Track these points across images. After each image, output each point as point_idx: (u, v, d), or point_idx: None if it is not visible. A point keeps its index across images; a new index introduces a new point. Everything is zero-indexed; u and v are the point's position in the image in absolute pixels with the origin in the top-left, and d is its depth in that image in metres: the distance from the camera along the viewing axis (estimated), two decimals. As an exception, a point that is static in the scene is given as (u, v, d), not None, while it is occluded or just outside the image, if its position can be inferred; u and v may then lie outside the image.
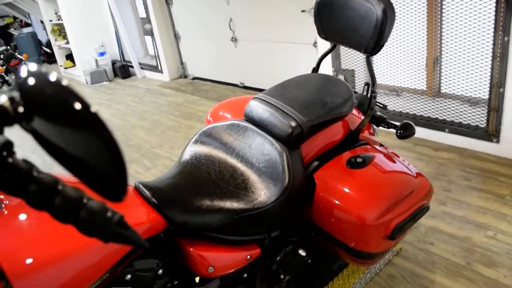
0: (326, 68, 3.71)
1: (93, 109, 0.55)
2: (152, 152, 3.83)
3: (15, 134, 0.67)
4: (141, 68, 6.61)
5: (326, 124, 1.57)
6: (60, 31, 7.44)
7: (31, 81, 0.57)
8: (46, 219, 0.62)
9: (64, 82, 0.55)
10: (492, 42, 2.66)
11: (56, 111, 0.56)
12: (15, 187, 0.58)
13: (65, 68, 7.50)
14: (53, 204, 0.59)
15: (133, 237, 0.66)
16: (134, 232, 0.66)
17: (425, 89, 3.24)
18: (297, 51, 4.32)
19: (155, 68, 6.33)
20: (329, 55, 3.67)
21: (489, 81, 2.77)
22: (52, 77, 0.56)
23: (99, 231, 0.61)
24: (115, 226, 0.62)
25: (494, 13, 2.60)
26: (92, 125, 0.56)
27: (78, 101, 0.54)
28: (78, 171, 0.58)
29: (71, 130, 0.56)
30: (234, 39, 5.04)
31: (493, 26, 2.63)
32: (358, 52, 1.66)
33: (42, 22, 8.28)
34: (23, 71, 0.58)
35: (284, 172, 1.40)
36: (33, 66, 0.58)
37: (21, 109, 0.58)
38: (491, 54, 2.70)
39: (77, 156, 0.57)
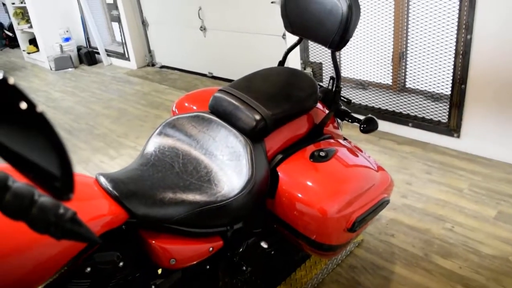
0: (294, 60, 3.72)
1: (39, 109, 0.54)
2: (117, 141, 3.78)
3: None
4: (108, 55, 6.47)
5: (290, 117, 1.58)
6: (23, 14, 7.18)
7: None
8: None
9: (11, 81, 0.54)
10: (455, 39, 2.73)
11: (1, 110, 0.55)
12: None
13: (28, 53, 7.25)
14: (3, 201, 0.57)
15: (86, 234, 0.65)
16: (87, 229, 0.65)
17: (391, 83, 3.30)
18: (266, 42, 4.31)
19: (122, 56, 6.21)
20: (297, 48, 3.68)
21: (451, 78, 2.84)
22: None
23: (50, 228, 0.60)
24: (68, 223, 0.61)
25: (458, 11, 2.66)
26: (37, 124, 0.55)
27: (24, 101, 0.54)
28: (26, 169, 0.57)
29: (17, 129, 0.55)
30: (203, 28, 4.99)
31: (456, 24, 2.70)
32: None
33: (4, 4, 7.95)
34: None
35: (248, 165, 1.40)
36: None
37: None
38: (454, 51, 2.77)
39: (24, 154, 0.56)
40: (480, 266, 1.99)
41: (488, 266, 1.99)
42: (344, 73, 3.50)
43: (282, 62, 1.94)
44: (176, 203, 1.29)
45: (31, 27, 6.76)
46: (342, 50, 3.45)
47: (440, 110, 2.99)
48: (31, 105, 0.54)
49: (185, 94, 1.99)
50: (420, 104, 3.10)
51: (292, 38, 1.92)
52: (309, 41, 3.57)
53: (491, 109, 2.71)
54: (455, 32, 2.71)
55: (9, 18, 7.69)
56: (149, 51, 6.07)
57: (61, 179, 0.57)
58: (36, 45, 6.99)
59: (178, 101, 1.94)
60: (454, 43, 2.74)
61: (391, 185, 1.70)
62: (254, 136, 1.47)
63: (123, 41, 6.03)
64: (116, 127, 4.10)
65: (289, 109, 1.55)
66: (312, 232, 1.50)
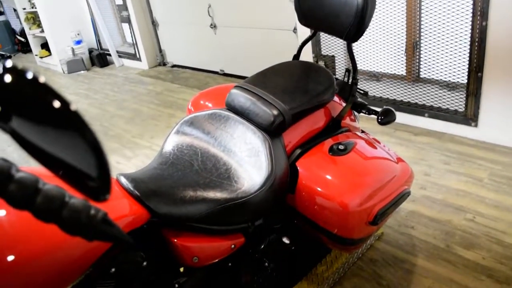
0: (307, 54, 3.70)
1: (73, 107, 0.53)
2: (132, 141, 3.79)
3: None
4: (119, 56, 6.50)
5: (307, 111, 1.57)
6: (34, 19, 7.25)
7: (8, 78, 0.54)
8: (27, 214, 0.60)
9: (42, 80, 0.53)
10: (470, 27, 2.69)
11: (34, 110, 0.54)
12: None
13: (41, 57, 7.32)
14: (34, 204, 0.57)
15: (118, 235, 0.64)
16: (119, 229, 0.65)
17: (405, 74, 3.26)
18: (277, 37, 4.29)
19: (133, 56, 6.24)
20: (309, 42, 3.67)
21: (467, 66, 2.80)
22: (29, 75, 0.54)
23: (82, 230, 0.60)
24: (99, 224, 0.61)
25: (472, -2, 2.62)
26: (72, 123, 0.54)
27: (57, 99, 0.52)
28: (61, 170, 0.57)
29: (51, 129, 0.54)
30: (213, 26, 4.98)
31: (471, 11, 2.65)
32: (339, 39, 1.66)
33: (15, 10, 8.04)
34: None
35: (267, 160, 1.40)
36: (9, 63, 0.56)
37: None
38: (469, 39, 2.72)
39: (59, 156, 0.55)
40: (503, 256, 1.96)
41: (512, 256, 1.96)
42: (358, 65, 3.46)
43: (297, 56, 1.93)
44: (197, 201, 1.28)
45: (42, 31, 6.82)
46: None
47: (457, 99, 2.95)
48: (65, 103, 0.53)
49: (199, 92, 1.99)
50: (436, 94, 3.06)
51: (304, 32, 1.91)
52: (321, 34, 3.54)
53: (509, 97, 2.67)
54: (470, 19, 2.67)
55: (21, 23, 7.76)
56: (160, 50, 6.08)
57: (98, 180, 0.56)
58: (48, 49, 7.05)
59: (193, 99, 1.93)
60: (470, 31, 2.70)
61: (412, 177, 1.68)
62: (272, 131, 1.46)
63: (134, 41, 6.05)
64: (130, 127, 4.12)
65: (306, 103, 1.53)
66: (334, 226, 1.49)
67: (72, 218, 0.59)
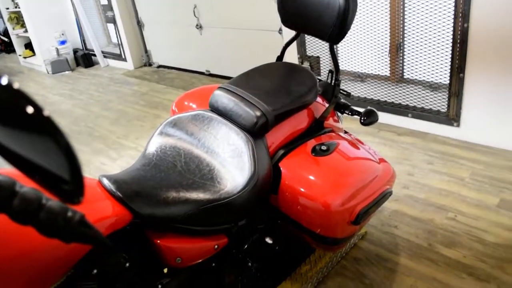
0: (292, 55, 3.72)
1: (46, 112, 0.54)
2: (118, 142, 3.77)
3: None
4: (104, 56, 6.45)
5: (290, 112, 1.58)
6: (18, 19, 7.16)
7: None
8: (5, 217, 0.60)
9: (16, 86, 0.53)
10: (452, 28, 2.72)
11: (8, 115, 0.54)
12: None
13: (24, 57, 7.23)
14: (11, 206, 0.57)
15: (95, 236, 0.65)
16: (97, 231, 0.65)
17: (389, 75, 3.30)
18: (263, 38, 4.30)
19: (119, 57, 6.19)
20: (295, 42, 3.68)
21: (449, 67, 2.84)
22: (3, 81, 0.54)
23: (60, 232, 0.60)
24: (76, 226, 0.61)
25: (454, 0, 2.65)
26: (45, 129, 0.54)
27: (30, 105, 0.53)
28: (35, 174, 0.57)
29: (24, 134, 0.55)
30: (199, 26, 4.98)
31: (453, 12, 2.69)
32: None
33: (-2, 9, 7.95)
34: None
35: (250, 161, 1.40)
36: None
37: None
38: (451, 40, 2.76)
39: (33, 160, 0.56)
40: (484, 254, 2.00)
41: (492, 254, 1.99)
42: (342, 65, 3.49)
43: (280, 57, 1.94)
44: (180, 202, 1.29)
45: (26, 31, 6.74)
46: (339, 43, 3.45)
47: (439, 99, 2.99)
48: (38, 109, 0.54)
49: (184, 93, 1.99)
50: (419, 94, 3.10)
51: (289, 33, 1.91)
52: (306, 35, 3.56)
53: (491, 97, 2.71)
54: (452, 20, 2.71)
55: (4, 23, 7.66)
56: (146, 51, 6.05)
57: (71, 183, 0.57)
58: (32, 49, 6.97)
59: (177, 100, 1.93)
60: (451, 32, 2.73)
61: (394, 177, 1.70)
62: (255, 132, 1.47)
63: (119, 42, 6.01)
64: (115, 128, 4.09)
65: (289, 104, 1.55)
66: (316, 226, 1.50)
67: (49, 220, 0.59)
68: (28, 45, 7.16)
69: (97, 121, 4.34)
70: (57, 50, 6.43)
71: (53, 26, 6.40)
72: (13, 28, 7.19)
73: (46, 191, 0.59)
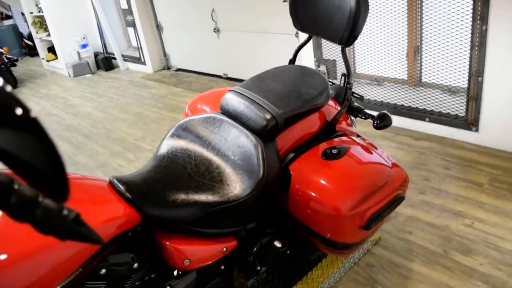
0: (308, 58, 3.71)
1: (33, 114, 0.57)
2: (135, 145, 3.81)
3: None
4: (124, 60, 6.55)
5: (301, 116, 1.57)
6: (41, 23, 7.33)
7: None
8: None
9: (8, 89, 0.57)
10: (470, 31, 2.68)
11: (0, 116, 0.57)
12: None
13: (47, 61, 7.39)
14: (9, 204, 0.59)
15: (89, 235, 0.66)
16: (90, 229, 0.66)
17: (406, 78, 3.26)
18: (280, 41, 4.30)
19: (138, 60, 6.28)
20: (311, 46, 3.68)
21: (468, 70, 2.79)
22: None
23: (55, 229, 0.62)
24: (71, 224, 0.63)
25: (472, 2, 2.61)
26: (31, 129, 0.57)
27: (19, 107, 0.56)
28: (23, 172, 0.59)
29: (12, 133, 0.58)
30: (216, 30, 5.01)
31: (471, 15, 2.65)
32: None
33: (23, 14, 8.13)
34: None
35: (259, 164, 1.40)
36: None
37: None
38: (469, 43, 2.72)
39: (20, 158, 0.58)
40: (501, 262, 1.95)
41: (510, 262, 1.94)
42: (359, 69, 3.47)
43: (292, 60, 1.94)
44: (189, 204, 1.29)
45: (49, 35, 6.89)
46: (356, 46, 3.43)
47: (457, 103, 2.94)
48: (26, 110, 0.56)
49: (197, 96, 2.00)
50: (437, 98, 3.05)
51: (305, 37, 1.91)
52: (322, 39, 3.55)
53: (510, 101, 2.65)
54: (470, 23, 2.67)
55: (28, 27, 7.84)
56: (165, 54, 6.12)
57: (54, 182, 0.59)
58: (54, 53, 7.12)
59: (190, 102, 1.95)
60: (470, 35, 2.69)
61: (406, 181, 1.67)
62: (265, 135, 1.47)
63: (139, 45, 6.09)
64: (133, 131, 4.14)
65: (300, 107, 1.54)
66: (326, 230, 1.49)
67: (45, 218, 0.60)
68: (51, 49, 7.32)
69: (115, 124, 4.39)
70: (79, 53, 6.55)
71: (75, 30, 6.53)
72: (37, 32, 7.36)
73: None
